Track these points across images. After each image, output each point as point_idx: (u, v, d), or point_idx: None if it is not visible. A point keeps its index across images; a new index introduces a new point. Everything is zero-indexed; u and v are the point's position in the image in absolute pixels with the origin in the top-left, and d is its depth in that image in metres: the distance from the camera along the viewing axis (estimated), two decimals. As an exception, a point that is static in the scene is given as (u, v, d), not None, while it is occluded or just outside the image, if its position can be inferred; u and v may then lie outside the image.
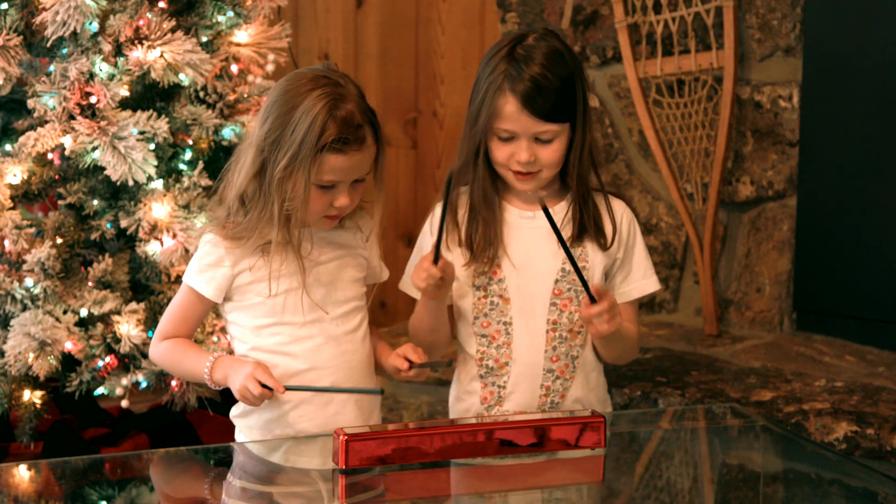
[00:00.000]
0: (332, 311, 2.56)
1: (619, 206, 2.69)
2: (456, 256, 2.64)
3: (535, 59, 2.54)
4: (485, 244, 2.63)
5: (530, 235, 2.65)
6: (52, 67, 3.18)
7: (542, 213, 2.50)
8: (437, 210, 2.66)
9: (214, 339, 3.16)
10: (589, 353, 2.68)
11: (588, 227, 2.64)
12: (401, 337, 2.75)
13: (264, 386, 2.44)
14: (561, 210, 2.65)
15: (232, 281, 2.53)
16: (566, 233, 2.62)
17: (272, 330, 2.54)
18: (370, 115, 2.48)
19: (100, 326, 3.17)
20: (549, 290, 2.64)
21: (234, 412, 2.62)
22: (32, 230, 3.19)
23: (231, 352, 2.62)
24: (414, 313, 2.68)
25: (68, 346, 3.12)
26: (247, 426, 2.59)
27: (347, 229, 2.60)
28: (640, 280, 2.70)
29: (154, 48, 3.12)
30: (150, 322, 3.20)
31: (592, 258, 2.65)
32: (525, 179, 2.60)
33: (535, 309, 2.64)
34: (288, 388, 2.47)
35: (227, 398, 3.19)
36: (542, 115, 2.54)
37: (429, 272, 2.53)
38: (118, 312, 3.16)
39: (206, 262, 2.53)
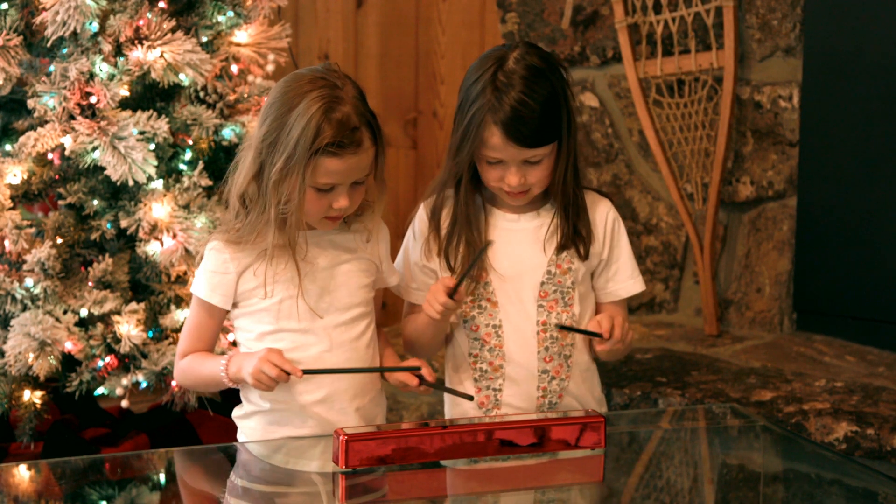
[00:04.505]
0: (336, 316, 2.53)
1: (602, 205, 2.69)
2: (439, 265, 2.65)
3: (516, 87, 2.51)
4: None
5: (515, 239, 2.65)
6: (52, 67, 3.18)
7: (525, 217, 2.53)
8: (421, 211, 2.66)
9: (214, 339, 3.16)
10: (582, 352, 2.68)
11: (572, 238, 2.64)
12: (400, 337, 2.74)
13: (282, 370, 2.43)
14: (546, 217, 2.65)
15: (236, 285, 2.52)
16: (553, 242, 2.63)
17: (276, 336, 2.52)
18: (368, 116, 2.45)
19: (100, 326, 3.17)
20: (536, 293, 2.63)
21: (237, 413, 2.60)
22: (32, 230, 3.19)
23: None
24: (413, 323, 2.67)
25: (68, 346, 3.12)
26: (249, 427, 2.58)
27: (355, 232, 2.57)
28: (628, 280, 2.70)
29: (154, 48, 3.12)
30: (150, 322, 3.19)
31: (577, 263, 2.65)
32: (517, 197, 2.61)
33: (524, 311, 2.63)
34: (306, 372, 2.45)
35: (227, 398, 3.19)
36: (528, 143, 2.53)
37: (445, 305, 2.53)
38: (118, 312, 3.16)
39: (211, 270, 2.52)
